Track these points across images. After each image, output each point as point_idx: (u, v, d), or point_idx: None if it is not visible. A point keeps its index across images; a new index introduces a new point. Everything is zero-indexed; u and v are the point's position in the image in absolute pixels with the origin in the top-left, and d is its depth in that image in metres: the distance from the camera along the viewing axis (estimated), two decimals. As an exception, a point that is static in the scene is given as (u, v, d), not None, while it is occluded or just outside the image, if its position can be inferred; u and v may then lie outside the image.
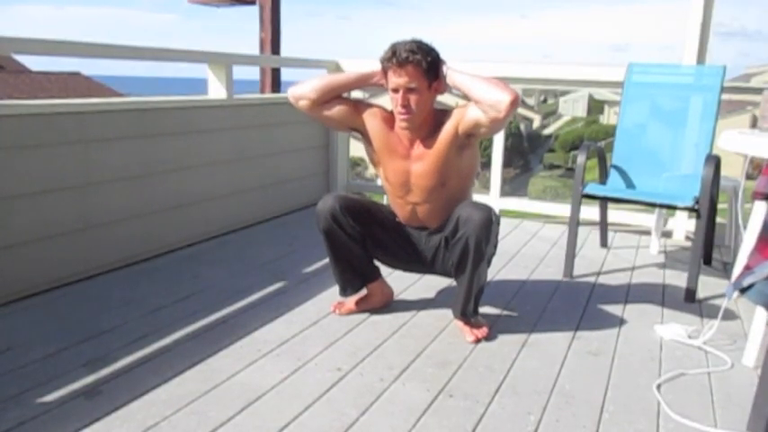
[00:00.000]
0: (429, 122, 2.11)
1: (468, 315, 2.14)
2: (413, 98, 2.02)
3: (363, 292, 2.34)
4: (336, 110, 2.17)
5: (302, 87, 2.16)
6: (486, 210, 2.00)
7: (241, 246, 3.18)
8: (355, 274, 2.29)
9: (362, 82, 2.20)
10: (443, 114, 2.11)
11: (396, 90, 2.03)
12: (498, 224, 2.05)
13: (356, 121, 2.19)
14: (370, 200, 2.31)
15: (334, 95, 2.17)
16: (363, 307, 2.34)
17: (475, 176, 2.26)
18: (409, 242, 2.26)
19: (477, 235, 1.97)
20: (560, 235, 3.49)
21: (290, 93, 2.19)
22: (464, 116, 2.04)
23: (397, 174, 2.18)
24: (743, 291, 1.64)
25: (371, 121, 2.18)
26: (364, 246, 2.24)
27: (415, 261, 2.30)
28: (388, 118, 2.17)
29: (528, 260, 3.07)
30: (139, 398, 1.69)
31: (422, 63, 1.99)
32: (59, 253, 2.50)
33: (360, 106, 2.21)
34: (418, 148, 2.13)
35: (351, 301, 2.34)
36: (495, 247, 2.07)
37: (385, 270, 2.38)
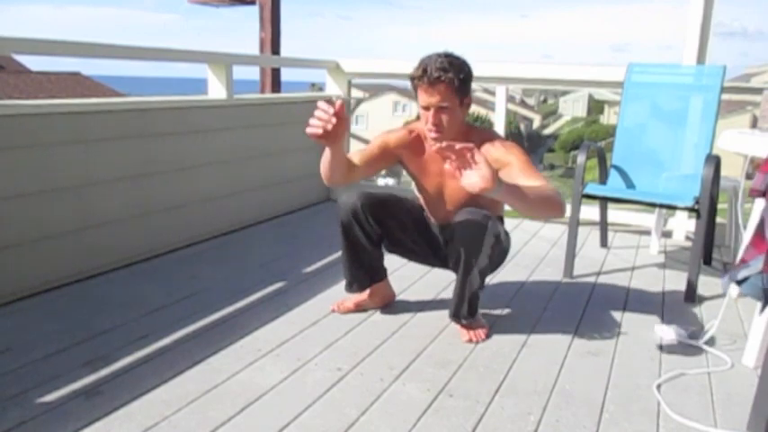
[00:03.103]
0: (461, 139, 2.06)
1: (460, 317, 2.13)
2: (444, 117, 1.98)
3: (366, 292, 2.34)
4: (371, 165, 2.11)
5: (325, 178, 2.03)
6: (479, 225, 1.96)
7: (241, 246, 3.18)
8: (364, 271, 2.28)
9: (337, 146, 1.91)
10: (478, 133, 2.08)
11: (427, 108, 1.99)
12: (495, 235, 1.99)
13: (391, 159, 2.17)
14: (395, 197, 2.25)
15: (345, 168, 2.00)
16: (363, 307, 2.35)
17: None
18: (429, 241, 2.26)
19: (467, 248, 1.99)
20: (560, 235, 3.49)
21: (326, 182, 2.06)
22: (510, 178, 1.90)
23: (431, 188, 2.18)
24: (738, 283, 1.68)
25: (403, 151, 2.15)
26: (379, 246, 2.24)
27: (432, 257, 2.31)
28: (417, 140, 2.14)
29: (528, 260, 3.07)
30: (139, 398, 1.68)
31: (454, 81, 1.93)
32: (59, 253, 2.50)
33: (387, 145, 2.14)
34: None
35: (350, 300, 2.34)
36: (493, 257, 2.03)
37: (387, 267, 2.38)
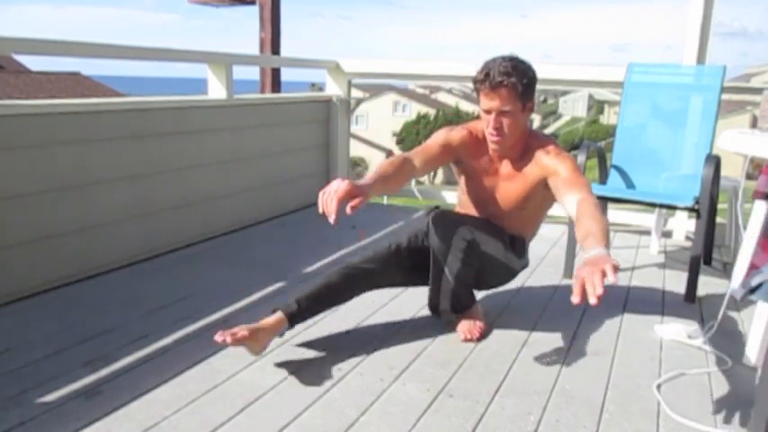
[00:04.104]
0: (521, 143, 2.05)
1: (440, 311, 2.13)
2: (506, 121, 1.97)
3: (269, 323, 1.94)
4: (431, 164, 2.08)
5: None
6: (449, 229, 1.98)
7: (241, 246, 3.18)
8: (316, 300, 2.04)
9: (378, 191, 1.94)
10: (536, 139, 2.08)
11: (488, 112, 1.97)
12: (467, 240, 1.99)
13: (449, 159, 2.14)
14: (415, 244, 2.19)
15: (404, 181, 2.01)
16: (243, 343, 1.83)
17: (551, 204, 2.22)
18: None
19: (437, 246, 2.00)
20: (560, 235, 3.49)
21: None
22: (555, 187, 1.99)
23: (484, 188, 2.15)
24: (752, 291, 1.63)
25: (463, 152, 2.12)
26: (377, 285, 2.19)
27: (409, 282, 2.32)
28: (476, 140, 2.11)
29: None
30: (139, 398, 1.68)
31: (517, 86, 1.92)
32: (59, 253, 2.50)
33: (449, 145, 2.10)
34: (506, 167, 2.10)
35: (243, 330, 1.84)
36: (470, 263, 2.02)
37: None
